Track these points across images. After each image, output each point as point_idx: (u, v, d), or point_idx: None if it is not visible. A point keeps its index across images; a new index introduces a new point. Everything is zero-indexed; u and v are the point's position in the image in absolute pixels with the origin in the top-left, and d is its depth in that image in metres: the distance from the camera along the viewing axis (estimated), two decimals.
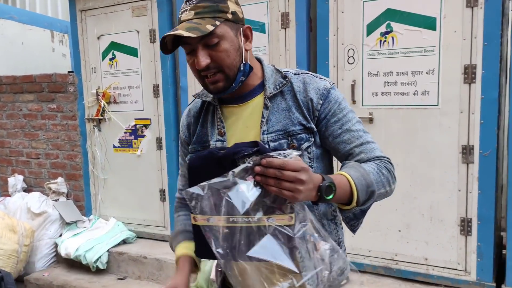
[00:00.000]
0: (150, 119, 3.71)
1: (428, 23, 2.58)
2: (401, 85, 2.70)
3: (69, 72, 4.16)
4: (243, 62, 1.19)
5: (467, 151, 2.54)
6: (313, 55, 2.98)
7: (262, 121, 1.22)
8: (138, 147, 3.78)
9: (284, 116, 1.22)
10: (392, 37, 2.69)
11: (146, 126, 3.73)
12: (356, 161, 1.21)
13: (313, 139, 1.22)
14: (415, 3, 2.60)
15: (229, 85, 1.18)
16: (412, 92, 2.67)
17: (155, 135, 3.69)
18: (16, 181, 4.38)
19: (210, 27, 1.08)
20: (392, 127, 2.74)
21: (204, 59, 1.12)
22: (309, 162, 1.22)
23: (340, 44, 2.84)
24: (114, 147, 3.90)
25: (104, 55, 3.84)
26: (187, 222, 1.43)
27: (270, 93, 1.22)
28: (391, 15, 2.67)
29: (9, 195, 4.26)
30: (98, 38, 3.82)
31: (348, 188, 1.05)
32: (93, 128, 3.99)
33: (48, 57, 4.94)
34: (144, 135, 3.75)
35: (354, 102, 2.82)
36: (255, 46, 3.09)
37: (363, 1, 2.74)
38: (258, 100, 1.26)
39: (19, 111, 4.46)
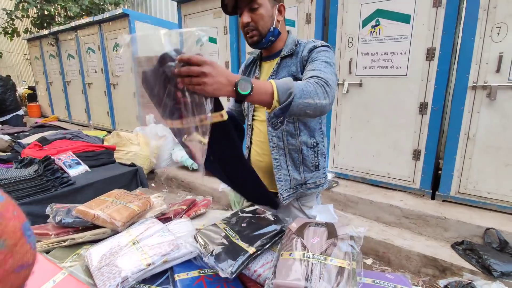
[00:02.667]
0: None
1: (405, 18, 2.35)
2: (383, 61, 2.52)
3: None
4: (274, 26, 1.10)
5: (423, 106, 2.41)
6: (325, 41, 2.86)
7: (272, 72, 1.15)
8: None
9: (286, 70, 1.13)
10: (379, 29, 2.49)
11: None
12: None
13: None
14: (397, 4, 2.38)
15: (261, 40, 1.10)
16: (390, 66, 2.50)
17: None
18: (150, 118, 4.46)
19: None
20: (375, 90, 2.61)
21: (246, 18, 1.06)
22: None
23: (344, 34, 2.67)
24: None
25: (197, 43, 3.85)
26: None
27: (283, 55, 1.14)
28: (379, 13, 2.46)
29: (146, 125, 4.37)
30: None
31: (270, 89, 0.79)
32: None
33: None
34: None
35: (350, 72, 2.70)
36: None
37: (361, 4, 2.53)
38: (277, 59, 1.16)
39: None
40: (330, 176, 2.92)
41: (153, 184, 3.73)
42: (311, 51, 1.08)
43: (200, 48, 0.70)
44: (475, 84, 2.15)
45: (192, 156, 0.83)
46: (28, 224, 0.27)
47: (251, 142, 1.26)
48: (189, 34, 0.70)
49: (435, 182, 2.50)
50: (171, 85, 0.70)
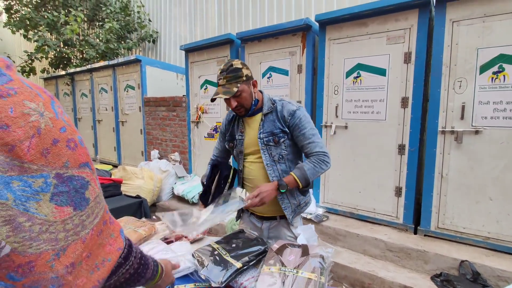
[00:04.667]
0: None
1: (381, 71, 2.72)
2: (364, 107, 2.84)
3: (183, 95, 4.46)
4: (254, 99, 1.42)
5: (401, 147, 2.68)
6: (315, 89, 3.17)
7: (260, 127, 1.44)
8: (217, 137, 4.12)
9: (271, 124, 1.42)
10: (360, 80, 2.84)
11: None
12: (305, 152, 1.40)
13: (286, 136, 1.41)
14: (374, 60, 2.75)
15: (247, 113, 1.43)
16: (371, 112, 2.81)
17: None
18: (154, 153, 4.75)
19: (235, 89, 1.32)
20: (359, 132, 2.89)
21: (233, 103, 1.37)
22: (285, 149, 1.41)
23: (330, 83, 3.03)
24: (205, 137, 4.16)
25: (201, 87, 4.17)
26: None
27: (265, 112, 1.44)
28: (360, 67, 2.83)
29: (151, 160, 4.65)
30: (199, 77, 4.19)
31: (294, 182, 1.34)
32: (194, 126, 4.25)
33: (174, 87, 5.33)
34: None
35: (337, 116, 3.03)
36: (283, 83, 3.39)
37: (344, 59, 2.94)
38: (259, 115, 1.46)
39: (157, 116, 4.81)
40: (321, 211, 3.11)
41: (154, 217, 3.89)
42: (292, 115, 1.39)
43: None
44: (444, 129, 2.44)
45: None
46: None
47: (243, 180, 1.54)
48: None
49: (417, 217, 2.68)
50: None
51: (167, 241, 1.53)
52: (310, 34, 3.14)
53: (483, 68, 2.27)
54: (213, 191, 1.44)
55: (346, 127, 2.96)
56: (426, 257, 2.32)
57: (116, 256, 0.57)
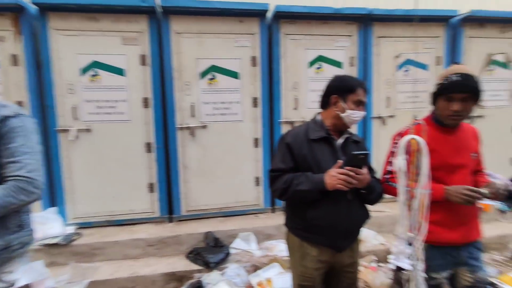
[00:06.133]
0: None
1: (119, 71, 2.67)
2: (108, 108, 2.68)
3: None
4: None
5: (148, 146, 2.78)
6: (42, 87, 2.62)
7: None
8: None
9: None
10: (99, 79, 2.65)
11: None
12: (4, 172, 1.06)
13: None
14: (110, 58, 2.64)
15: None
16: (114, 112, 2.69)
17: None
18: None
19: None
20: (105, 134, 2.70)
21: None
22: None
23: (62, 80, 2.60)
24: None
25: None
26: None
27: None
28: (97, 65, 2.63)
29: None
30: None
31: None
32: None
33: None
34: None
35: (76, 119, 2.68)
36: None
37: (77, 54, 2.60)
38: None
39: None
40: (70, 229, 2.66)
41: None
42: (2, 121, 1.06)
43: None
44: (181, 126, 2.81)
45: None
46: None
47: None
48: None
49: (171, 207, 2.93)
50: None
51: None
52: (27, 18, 2.53)
53: (203, 75, 2.82)
54: None
55: (89, 130, 2.68)
56: (181, 240, 2.61)
57: None
